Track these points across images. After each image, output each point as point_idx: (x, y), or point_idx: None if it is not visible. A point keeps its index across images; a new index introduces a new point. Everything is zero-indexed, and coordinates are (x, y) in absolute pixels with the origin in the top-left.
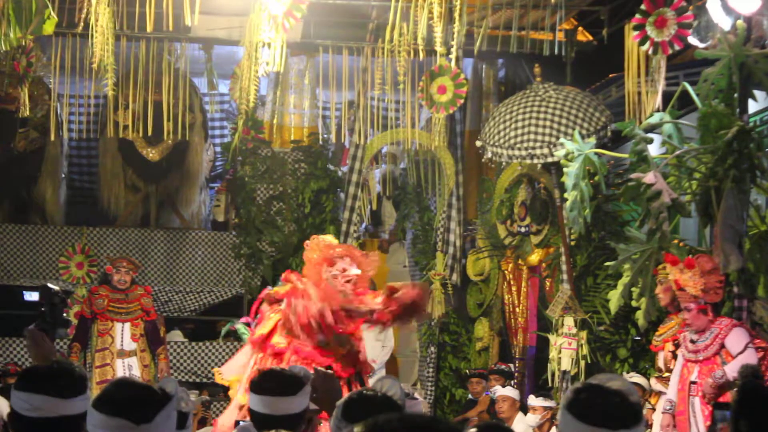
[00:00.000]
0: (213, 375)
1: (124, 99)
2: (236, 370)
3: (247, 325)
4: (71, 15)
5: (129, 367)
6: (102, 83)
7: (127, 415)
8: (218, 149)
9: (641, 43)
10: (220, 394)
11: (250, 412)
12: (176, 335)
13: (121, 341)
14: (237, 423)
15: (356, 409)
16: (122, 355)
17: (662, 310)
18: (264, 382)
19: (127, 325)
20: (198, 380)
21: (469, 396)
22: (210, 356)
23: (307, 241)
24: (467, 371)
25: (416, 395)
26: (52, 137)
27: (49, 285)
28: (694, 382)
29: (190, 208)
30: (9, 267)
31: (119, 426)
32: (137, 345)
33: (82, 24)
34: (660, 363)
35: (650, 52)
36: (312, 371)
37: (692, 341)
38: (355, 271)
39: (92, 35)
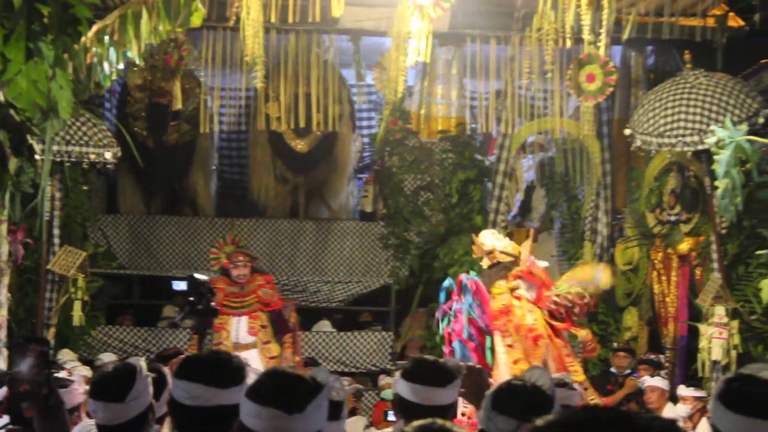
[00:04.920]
0: (360, 364)
1: (273, 91)
2: None
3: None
4: (221, 9)
5: (245, 361)
6: (252, 76)
7: (279, 404)
8: (366, 140)
9: None
10: (368, 383)
11: (398, 399)
12: (325, 325)
13: (237, 335)
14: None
15: (505, 399)
16: (237, 348)
17: None
18: (416, 371)
19: (244, 318)
20: (346, 369)
21: (612, 369)
22: (358, 346)
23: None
24: (615, 344)
25: (575, 385)
26: (203, 130)
27: (197, 275)
28: None
29: (339, 199)
30: (161, 258)
31: (271, 416)
32: (257, 338)
33: (233, 18)
34: None
35: None
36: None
37: None
38: None
39: (243, 28)
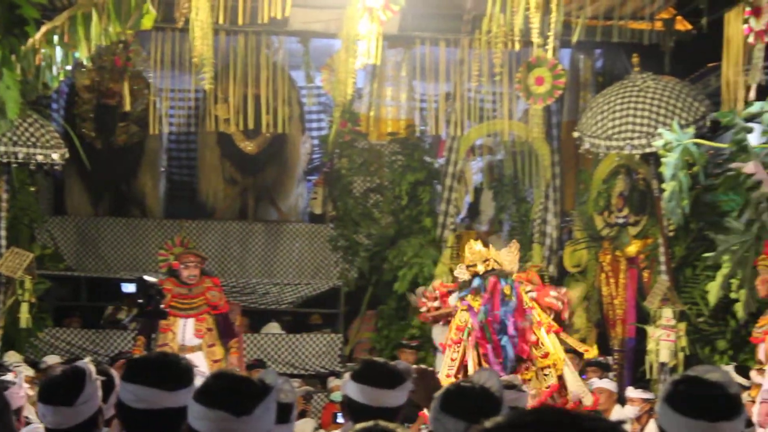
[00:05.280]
0: (309, 367)
1: (222, 93)
2: None
3: None
4: (170, 10)
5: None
6: (200, 77)
7: (226, 407)
8: (315, 142)
9: (750, 35)
10: (317, 386)
11: (347, 400)
12: (273, 327)
13: (183, 337)
14: None
15: (454, 400)
16: (183, 350)
17: (762, 302)
18: (366, 372)
19: (191, 320)
20: (295, 372)
21: None
22: (307, 348)
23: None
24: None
25: (524, 387)
26: (152, 131)
27: (146, 277)
28: None
29: (288, 201)
30: (109, 260)
31: (219, 418)
32: (203, 341)
33: (182, 19)
34: (760, 355)
35: (753, 42)
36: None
37: None
38: None
39: (192, 29)
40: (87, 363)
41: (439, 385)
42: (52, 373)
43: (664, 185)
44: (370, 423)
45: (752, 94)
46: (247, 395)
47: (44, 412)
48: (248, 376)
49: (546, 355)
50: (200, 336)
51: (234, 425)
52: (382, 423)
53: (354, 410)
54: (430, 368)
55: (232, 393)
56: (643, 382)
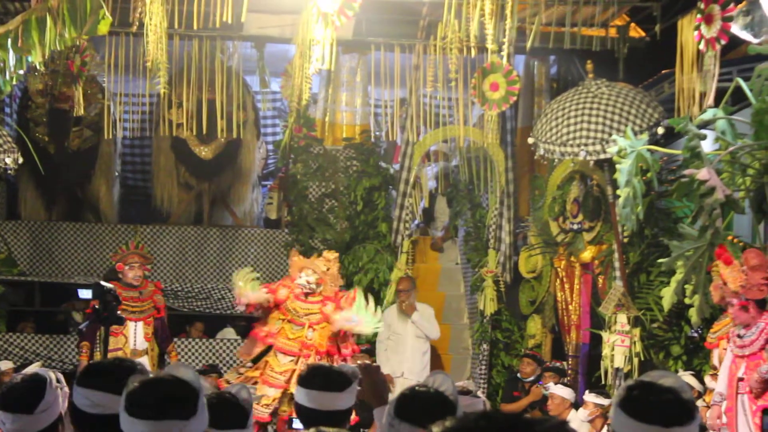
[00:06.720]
0: None
1: (177, 97)
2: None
3: None
4: (124, 14)
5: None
6: (155, 82)
7: (175, 414)
8: (270, 147)
9: (700, 42)
10: None
11: (296, 406)
12: (229, 333)
13: (134, 341)
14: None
15: (408, 405)
16: (134, 355)
17: (716, 307)
18: (312, 377)
19: (140, 324)
20: None
21: (517, 375)
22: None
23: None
24: (523, 350)
25: (479, 393)
26: (106, 136)
27: (102, 282)
28: (741, 379)
29: (243, 206)
30: (63, 265)
31: (169, 427)
32: (148, 344)
33: (136, 23)
34: (714, 360)
35: (704, 49)
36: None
37: (739, 336)
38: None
39: (146, 34)
40: (47, 371)
41: (385, 380)
42: (12, 380)
43: (618, 191)
44: (312, 430)
45: (710, 101)
46: (187, 396)
47: (3, 419)
48: (175, 377)
49: None
50: (148, 339)
51: (183, 429)
52: (324, 429)
53: (304, 415)
54: (375, 364)
55: (174, 400)
56: (600, 388)
